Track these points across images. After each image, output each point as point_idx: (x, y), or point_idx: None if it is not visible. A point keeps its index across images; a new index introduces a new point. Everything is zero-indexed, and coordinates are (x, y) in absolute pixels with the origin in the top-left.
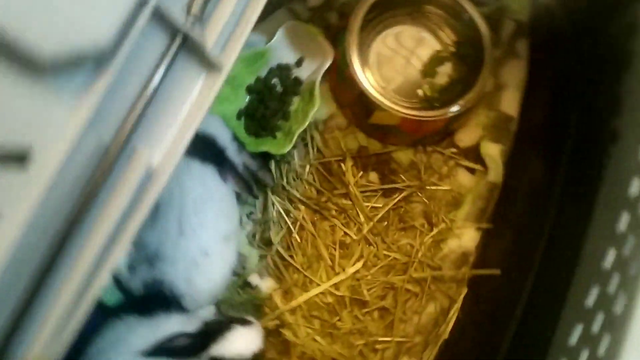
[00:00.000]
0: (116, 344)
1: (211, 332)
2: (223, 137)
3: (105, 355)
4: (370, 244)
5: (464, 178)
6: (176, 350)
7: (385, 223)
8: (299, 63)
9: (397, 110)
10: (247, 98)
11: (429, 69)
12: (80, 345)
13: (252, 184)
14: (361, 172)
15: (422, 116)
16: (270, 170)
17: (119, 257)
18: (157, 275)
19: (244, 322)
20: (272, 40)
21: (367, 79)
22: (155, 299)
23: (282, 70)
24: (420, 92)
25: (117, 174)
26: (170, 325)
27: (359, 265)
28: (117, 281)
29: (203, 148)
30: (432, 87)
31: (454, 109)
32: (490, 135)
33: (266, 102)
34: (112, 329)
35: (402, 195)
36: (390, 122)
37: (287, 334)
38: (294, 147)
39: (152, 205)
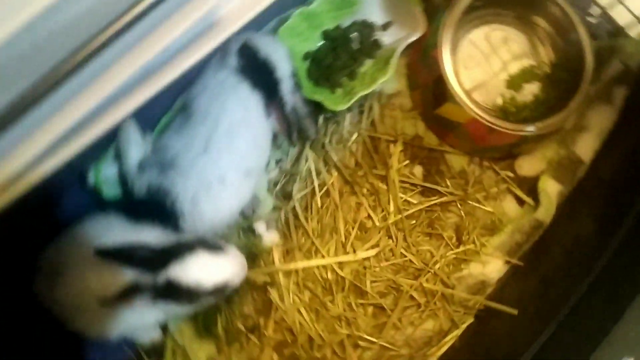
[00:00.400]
0: (86, 233)
1: (172, 252)
2: (284, 69)
3: (72, 240)
4: (390, 237)
5: (510, 206)
6: (134, 260)
7: (414, 222)
8: (385, 26)
9: (470, 108)
10: (321, 42)
11: (516, 82)
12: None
13: (293, 130)
14: (407, 161)
15: (493, 123)
16: (316, 123)
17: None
18: (166, 184)
19: (213, 248)
20: None
21: (451, 67)
22: (152, 208)
23: (365, 27)
24: (499, 100)
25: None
26: (146, 238)
27: (372, 253)
28: (123, 178)
29: (259, 72)
30: (512, 100)
31: (530, 128)
32: (553, 172)
33: (338, 53)
34: (92, 220)
35: (441, 200)
36: (458, 119)
37: (274, 295)
38: (349, 109)
39: (198, 59)
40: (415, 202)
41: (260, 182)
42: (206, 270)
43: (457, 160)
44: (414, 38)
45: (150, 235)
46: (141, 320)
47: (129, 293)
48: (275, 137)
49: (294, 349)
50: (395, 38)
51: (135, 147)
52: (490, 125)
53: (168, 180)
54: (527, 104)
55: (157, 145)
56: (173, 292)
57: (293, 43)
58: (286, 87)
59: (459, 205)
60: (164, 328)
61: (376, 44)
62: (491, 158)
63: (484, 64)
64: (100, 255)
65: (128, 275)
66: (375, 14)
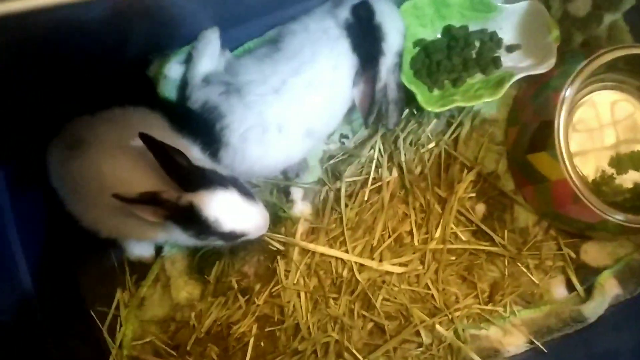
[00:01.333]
0: (126, 120)
1: (206, 178)
2: (393, 43)
3: (108, 121)
4: (422, 263)
5: (558, 286)
6: (170, 165)
7: (453, 258)
8: (511, 48)
9: (567, 168)
10: (439, 35)
11: (622, 164)
12: None
13: (373, 110)
14: (474, 194)
15: (583, 194)
16: (400, 114)
17: None
18: (224, 106)
19: (245, 194)
20: (508, 5)
21: (564, 118)
22: (200, 124)
23: (491, 40)
24: (597, 175)
25: None
26: (184, 152)
27: (397, 270)
28: (184, 83)
29: (366, 36)
30: (610, 180)
31: (618, 217)
32: (618, 273)
33: (451, 54)
34: (135, 110)
35: (490, 249)
36: (547, 174)
37: (280, 267)
38: (438, 115)
39: None
40: (464, 239)
41: (317, 148)
42: (231, 212)
43: (524, 216)
44: (538, 71)
45: (187, 151)
46: (142, 233)
47: (146, 200)
48: (350, 111)
49: (276, 330)
50: (517, 64)
51: (210, 58)
52: (579, 194)
53: (228, 103)
54: (625, 190)
55: (232, 65)
56: (189, 218)
57: (410, 23)
58: (387, 63)
59: (506, 262)
60: (158, 250)
61: (495, 62)
62: (560, 229)
63: (597, 131)
64: (145, 140)
65: (152, 180)
66: (507, 32)
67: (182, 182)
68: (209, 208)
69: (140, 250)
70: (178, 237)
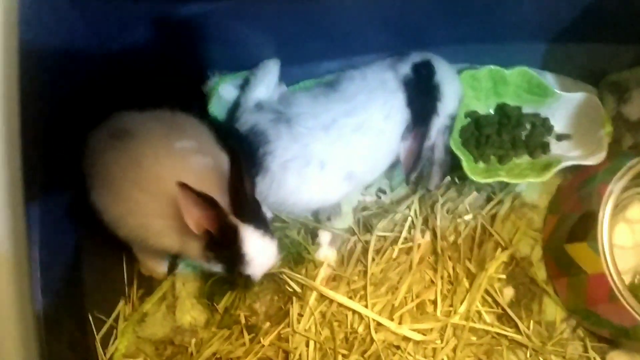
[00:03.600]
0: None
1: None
2: (449, 105)
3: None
4: (441, 337)
5: None
6: None
7: (474, 338)
8: (561, 137)
9: (607, 262)
10: (492, 110)
11: None
12: None
13: (417, 168)
14: (504, 276)
15: (621, 292)
16: (443, 178)
17: None
18: (271, 133)
19: (262, 227)
20: (565, 94)
21: (610, 211)
22: (244, 146)
23: (542, 126)
24: (635, 278)
25: None
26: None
27: (416, 337)
28: (237, 105)
29: (423, 93)
30: None
31: None
32: None
33: (501, 130)
34: (182, 115)
35: (514, 337)
36: (585, 266)
37: (294, 310)
38: (478, 188)
39: None
40: (488, 320)
41: (353, 196)
42: (263, 258)
43: (552, 309)
44: (588, 162)
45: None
46: (161, 240)
47: (203, 201)
48: (393, 167)
49: None
50: (566, 153)
51: (267, 86)
52: (617, 291)
53: (275, 130)
54: None
55: (286, 97)
56: (225, 243)
57: (466, 93)
58: (439, 124)
59: (528, 354)
60: (170, 267)
61: (543, 147)
62: (589, 330)
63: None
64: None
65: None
66: (559, 120)
67: (239, 207)
68: (252, 246)
69: (154, 264)
70: (192, 252)
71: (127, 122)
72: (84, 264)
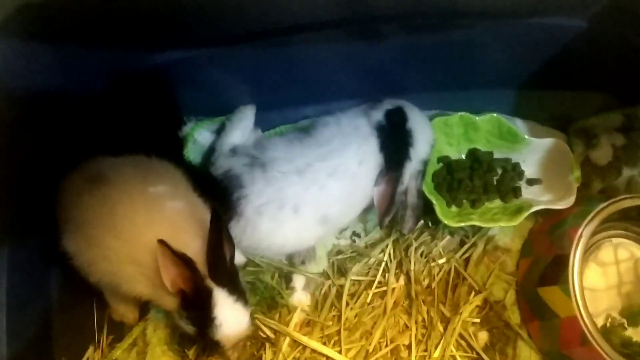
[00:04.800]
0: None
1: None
2: (421, 151)
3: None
4: None
5: None
6: None
7: None
8: (532, 182)
9: (578, 305)
10: (463, 155)
11: (634, 316)
12: None
13: (390, 212)
14: (478, 320)
15: (593, 336)
16: (416, 222)
17: None
18: (245, 178)
19: (236, 293)
20: (535, 139)
21: (578, 252)
22: (217, 190)
23: (513, 171)
24: (607, 320)
25: None
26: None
27: None
28: (212, 150)
29: (395, 139)
30: (620, 330)
31: None
32: None
33: (473, 175)
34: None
35: None
36: (557, 310)
37: (267, 355)
38: (452, 232)
39: None
40: None
41: (327, 239)
42: (233, 327)
43: (527, 353)
44: (558, 207)
45: (202, 213)
46: (132, 287)
47: (181, 261)
48: (367, 210)
49: None
50: (536, 197)
51: (242, 131)
52: (588, 335)
53: (250, 175)
54: (635, 344)
55: (261, 142)
56: (197, 304)
57: (438, 139)
58: (412, 168)
59: None
60: (141, 313)
61: (515, 192)
62: None
63: (612, 276)
64: (214, 216)
65: (166, 232)
66: (530, 165)
67: (215, 269)
68: (223, 311)
69: (125, 309)
70: (164, 304)
71: (102, 167)
72: (53, 308)
